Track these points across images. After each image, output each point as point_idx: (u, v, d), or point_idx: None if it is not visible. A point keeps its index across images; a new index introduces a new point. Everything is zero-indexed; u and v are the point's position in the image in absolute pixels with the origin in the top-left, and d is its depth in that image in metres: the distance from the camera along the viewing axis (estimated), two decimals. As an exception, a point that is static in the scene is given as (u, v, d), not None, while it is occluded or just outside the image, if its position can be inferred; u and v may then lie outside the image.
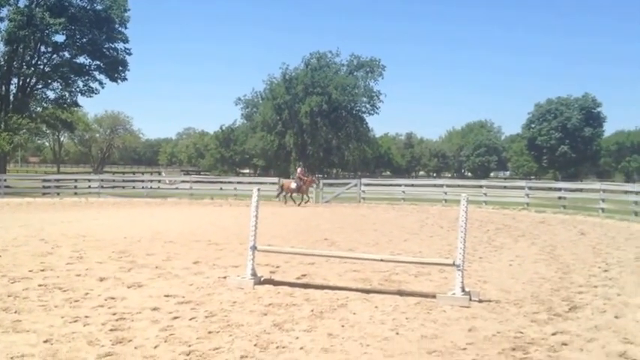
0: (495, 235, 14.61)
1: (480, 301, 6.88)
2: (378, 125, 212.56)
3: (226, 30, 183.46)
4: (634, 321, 6.10)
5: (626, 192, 24.21)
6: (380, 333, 5.55)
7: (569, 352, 5.07)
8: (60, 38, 40.61)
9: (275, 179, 31.47)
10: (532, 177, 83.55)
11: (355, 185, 29.04)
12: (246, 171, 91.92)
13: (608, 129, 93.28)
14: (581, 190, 27.78)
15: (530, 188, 27.50)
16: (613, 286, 8.00)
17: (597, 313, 6.43)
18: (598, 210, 22.06)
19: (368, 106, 65.58)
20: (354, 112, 64.72)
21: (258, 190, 8.03)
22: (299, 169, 27.94)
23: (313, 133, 60.55)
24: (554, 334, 5.62)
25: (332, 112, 61.53)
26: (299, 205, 25.07)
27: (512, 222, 18.79)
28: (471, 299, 6.82)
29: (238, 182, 35.17)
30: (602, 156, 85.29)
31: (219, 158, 77.27)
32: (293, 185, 25.62)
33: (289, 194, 25.71)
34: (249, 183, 35.42)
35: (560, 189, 27.62)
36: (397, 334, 5.55)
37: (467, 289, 6.95)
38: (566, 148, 73.34)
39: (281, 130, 61.70)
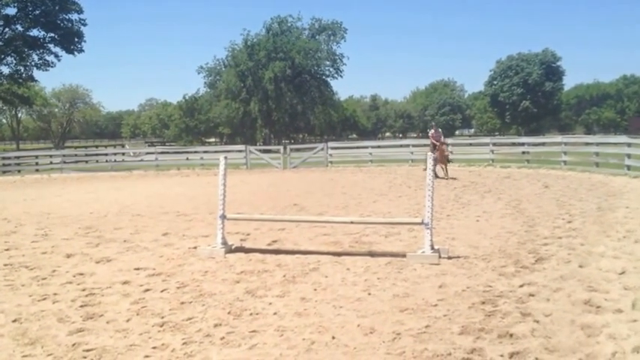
0: (462, 193, 14.83)
1: (449, 258, 6.99)
2: (343, 88, 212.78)
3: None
4: (597, 269, 6.28)
5: (586, 144, 24.74)
6: (352, 294, 5.60)
7: (537, 302, 5.20)
8: (11, 11, 39.21)
9: (242, 147, 31.02)
10: (496, 133, 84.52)
11: (322, 149, 28.95)
12: (212, 140, 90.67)
13: (568, 83, 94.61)
14: (543, 144, 28.19)
15: (494, 144, 27.89)
16: (577, 236, 8.22)
17: (562, 264, 6.61)
18: (560, 163, 22.51)
19: (332, 69, 65.18)
20: (318, 76, 64.24)
21: (225, 158, 7.94)
22: (430, 132, 20.89)
23: (278, 99, 59.92)
24: (521, 286, 5.75)
25: (296, 77, 60.91)
26: (444, 178, 18.86)
27: (478, 178, 19.08)
28: (440, 256, 6.93)
29: (205, 151, 34.66)
30: (563, 110, 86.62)
31: (183, 128, 75.87)
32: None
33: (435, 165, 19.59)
34: (216, 152, 34.86)
35: (523, 144, 28.08)
36: (369, 294, 5.61)
37: (436, 247, 7.06)
38: (528, 104, 74.21)
39: (245, 98, 60.89)
